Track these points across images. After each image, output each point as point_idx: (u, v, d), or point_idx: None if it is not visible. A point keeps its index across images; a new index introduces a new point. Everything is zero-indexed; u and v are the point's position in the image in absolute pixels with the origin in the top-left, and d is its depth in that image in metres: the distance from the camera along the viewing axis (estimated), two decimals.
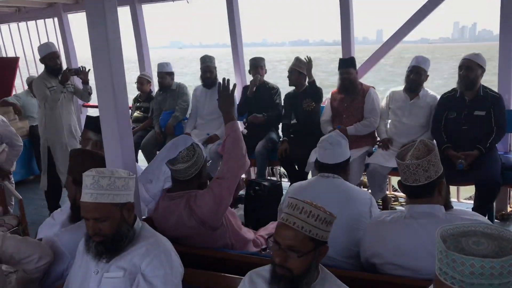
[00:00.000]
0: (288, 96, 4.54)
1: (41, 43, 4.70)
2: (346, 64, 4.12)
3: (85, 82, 4.60)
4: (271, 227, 2.79)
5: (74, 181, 2.17)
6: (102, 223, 1.71)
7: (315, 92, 4.30)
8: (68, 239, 2.04)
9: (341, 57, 4.37)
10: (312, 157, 4.01)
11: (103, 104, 2.06)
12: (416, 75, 3.84)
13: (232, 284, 1.90)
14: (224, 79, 2.52)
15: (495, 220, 3.88)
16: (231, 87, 2.48)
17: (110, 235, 1.72)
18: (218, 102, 2.48)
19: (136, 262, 1.73)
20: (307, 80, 4.28)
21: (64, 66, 4.81)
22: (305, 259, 1.47)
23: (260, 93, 4.63)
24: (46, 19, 6.35)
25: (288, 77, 4.42)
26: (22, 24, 6.65)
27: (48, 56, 4.36)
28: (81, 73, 4.57)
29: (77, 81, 4.80)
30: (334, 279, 1.58)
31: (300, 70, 4.32)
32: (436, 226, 1.35)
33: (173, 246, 1.86)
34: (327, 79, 16.72)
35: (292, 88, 4.51)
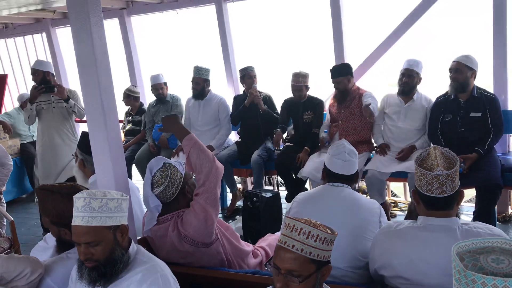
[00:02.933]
0: (287, 102, 4.49)
1: (30, 59, 4.69)
2: (336, 73, 4.06)
3: (64, 99, 4.37)
4: (270, 238, 2.72)
5: (52, 221, 2.04)
6: (94, 247, 1.63)
7: (316, 104, 4.31)
8: (58, 274, 1.92)
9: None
10: (309, 166, 3.95)
11: (92, 122, 1.97)
12: (408, 78, 3.82)
13: None
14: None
15: (497, 223, 3.83)
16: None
17: (103, 260, 1.64)
18: (164, 128, 2.44)
19: None
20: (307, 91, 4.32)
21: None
22: (308, 283, 1.40)
23: (253, 102, 4.56)
24: (34, 35, 6.27)
25: (294, 94, 4.35)
26: (10, 41, 6.56)
27: (31, 72, 4.40)
28: (53, 89, 4.36)
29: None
30: None
31: (302, 85, 4.28)
32: (452, 240, 1.29)
33: (170, 269, 1.77)
34: None
35: (285, 88, 4.47)
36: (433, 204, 1.79)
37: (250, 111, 4.57)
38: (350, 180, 2.35)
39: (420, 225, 1.83)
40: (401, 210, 4.46)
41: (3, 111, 6.26)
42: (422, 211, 1.84)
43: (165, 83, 5.10)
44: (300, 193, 2.50)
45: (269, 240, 2.70)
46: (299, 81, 4.27)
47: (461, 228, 1.78)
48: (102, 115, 1.91)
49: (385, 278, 1.92)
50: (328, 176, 2.37)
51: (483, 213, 3.34)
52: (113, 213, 1.65)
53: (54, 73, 4.58)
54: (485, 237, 1.11)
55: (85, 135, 2.88)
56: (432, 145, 3.75)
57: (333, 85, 4.13)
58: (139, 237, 2.31)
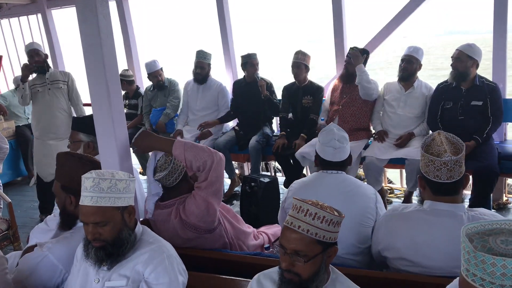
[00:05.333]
0: (287, 88, 4.47)
1: (25, 40, 4.62)
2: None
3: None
4: (276, 228, 2.71)
5: (63, 187, 2.05)
6: (102, 227, 1.63)
7: (316, 90, 4.29)
8: (61, 251, 1.93)
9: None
10: (307, 147, 3.93)
11: (97, 103, 1.96)
12: (407, 63, 3.84)
13: (236, 286, 1.84)
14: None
15: (492, 210, 3.88)
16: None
17: (111, 240, 1.65)
18: (138, 149, 2.22)
19: (139, 269, 1.66)
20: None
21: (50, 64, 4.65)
22: (313, 263, 1.41)
23: (253, 88, 4.54)
24: (30, 16, 6.17)
25: (293, 72, 4.32)
26: (5, 21, 6.45)
27: (28, 55, 4.34)
28: (45, 71, 4.37)
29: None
30: (345, 279, 1.53)
31: (301, 62, 4.26)
32: (458, 226, 1.30)
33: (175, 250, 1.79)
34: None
35: (286, 77, 4.44)
36: (440, 189, 1.80)
37: (252, 97, 4.55)
38: (343, 165, 2.32)
39: (426, 209, 1.85)
40: (397, 197, 4.50)
41: None
42: (429, 196, 1.85)
43: (161, 69, 5.07)
44: (295, 181, 2.48)
45: (275, 230, 2.69)
46: (299, 58, 4.26)
47: (467, 214, 1.79)
48: (107, 95, 1.89)
49: (387, 259, 1.95)
50: (321, 163, 2.35)
51: (479, 200, 3.38)
52: (121, 194, 1.65)
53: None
54: (493, 219, 1.12)
55: (83, 119, 2.87)
56: (430, 131, 3.79)
57: (345, 63, 4.12)
58: (142, 219, 2.31)
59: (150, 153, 2.27)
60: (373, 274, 1.84)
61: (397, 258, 1.89)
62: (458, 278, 1.13)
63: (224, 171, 4.60)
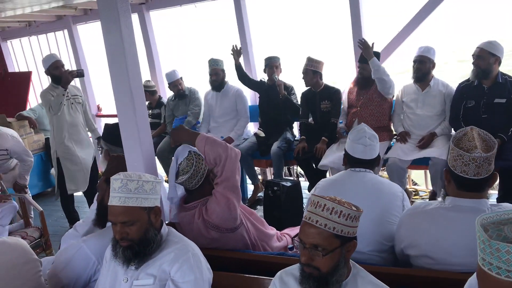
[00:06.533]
0: (304, 95, 4.50)
1: None
2: (365, 59, 4.00)
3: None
4: (298, 230, 2.74)
5: (107, 180, 2.15)
6: (129, 227, 1.70)
7: (333, 93, 4.31)
8: (95, 244, 2.03)
9: None
10: (329, 157, 3.97)
11: (122, 110, 2.04)
12: (420, 64, 3.84)
13: (260, 285, 1.87)
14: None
15: None
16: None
17: (137, 240, 1.71)
18: (173, 141, 2.50)
19: (165, 268, 1.71)
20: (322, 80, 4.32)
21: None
22: (332, 257, 1.44)
23: (273, 91, 4.59)
24: (56, 32, 6.39)
25: (303, 78, 4.37)
26: (33, 38, 6.70)
27: (52, 66, 4.22)
28: (83, 74, 4.42)
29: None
30: (366, 274, 1.54)
31: (314, 69, 4.29)
32: None
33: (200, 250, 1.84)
34: None
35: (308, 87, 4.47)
36: (465, 185, 1.77)
37: (273, 99, 4.61)
38: (371, 164, 2.34)
39: (448, 206, 1.83)
40: (422, 198, 4.45)
41: (28, 107, 6.41)
42: (452, 191, 1.83)
43: (181, 78, 5.16)
44: (323, 179, 2.51)
45: (296, 230, 2.72)
46: (306, 64, 4.30)
47: (491, 209, 1.77)
48: (131, 103, 1.97)
49: (410, 257, 1.94)
50: (350, 161, 2.36)
51: (506, 198, 3.32)
52: (148, 195, 1.71)
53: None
54: (508, 209, 1.13)
55: (108, 126, 2.98)
56: (453, 131, 3.75)
57: (358, 69, 4.14)
58: (167, 222, 2.38)
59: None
60: (396, 271, 1.84)
61: (419, 255, 1.88)
62: None
63: (247, 175, 4.74)
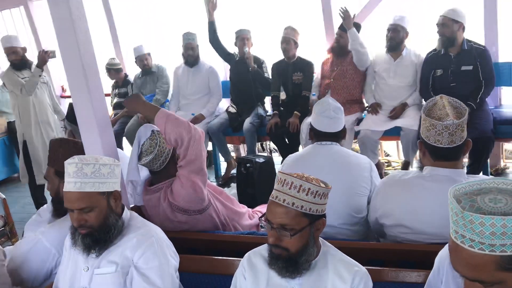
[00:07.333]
0: (277, 66, 4.38)
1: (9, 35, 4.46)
2: (345, 28, 3.92)
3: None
4: None
5: (57, 172, 2.05)
6: (87, 213, 1.60)
7: (306, 65, 4.21)
8: (53, 236, 1.93)
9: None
10: (304, 130, 3.92)
11: (75, 89, 1.90)
12: (394, 33, 3.79)
13: (229, 266, 1.81)
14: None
15: (490, 176, 3.86)
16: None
17: (97, 226, 1.61)
18: (127, 110, 2.32)
19: (127, 254, 1.63)
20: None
21: (33, 57, 4.52)
22: (300, 237, 1.38)
23: (244, 65, 4.46)
24: (12, 9, 6.05)
25: (283, 48, 4.22)
26: None
27: (5, 52, 4.14)
28: (55, 55, 4.14)
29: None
30: (336, 252, 1.50)
31: (294, 39, 4.18)
32: None
33: (165, 233, 1.76)
34: None
35: (280, 58, 4.35)
36: (441, 154, 1.75)
37: (243, 73, 4.47)
38: (337, 137, 2.31)
39: (426, 175, 1.82)
40: (395, 169, 4.48)
41: None
42: (429, 162, 1.81)
43: (148, 54, 5.01)
44: (290, 155, 2.47)
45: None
46: (288, 33, 4.18)
47: (468, 180, 1.76)
48: (84, 79, 1.83)
49: (385, 227, 1.92)
50: (316, 135, 2.33)
51: (476, 167, 3.36)
52: (106, 179, 1.61)
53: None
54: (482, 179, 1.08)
55: (70, 106, 2.83)
56: (424, 101, 3.74)
57: (336, 35, 4.05)
58: (132, 206, 2.28)
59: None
60: (367, 246, 1.82)
61: (395, 225, 1.87)
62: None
63: (219, 153, 4.65)
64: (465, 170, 1.82)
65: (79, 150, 2.02)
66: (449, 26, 3.46)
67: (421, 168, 1.90)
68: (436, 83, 3.61)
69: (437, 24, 3.54)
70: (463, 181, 1.72)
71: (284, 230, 1.37)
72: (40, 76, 4.13)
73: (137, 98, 2.28)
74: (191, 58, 4.65)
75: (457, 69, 3.50)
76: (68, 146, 2.07)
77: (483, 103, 3.50)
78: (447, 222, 1.69)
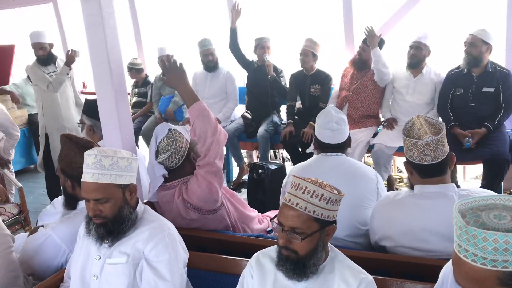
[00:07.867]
0: (295, 77, 4.39)
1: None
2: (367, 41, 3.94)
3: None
4: None
5: (62, 170, 2.09)
6: (103, 204, 1.64)
7: (324, 78, 4.23)
8: (64, 231, 1.97)
9: None
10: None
11: (100, 83, 1.97)
12: (416, 50, 3.78)
13: (237, 266, 1.85)
14: (168, 55, 2.35)
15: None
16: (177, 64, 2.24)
17: (111, 217, 1.66)
18: (166, 80, 2.25)
19: (139, 246, 1.67)
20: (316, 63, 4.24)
21: (59, 53, 4.65)
22: (310, 241, 1.40)
23: (262, 72, 4.50)
24: (41, 5, 6.22)
25: (302, 59, 4.25)
26: (16, 11, 6.51)
27: (33, 47, 4.25)
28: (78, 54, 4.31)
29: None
30: (344, 258, 1.52)
31: (313, 52, 4.21)
32: (449, 206, 1.29)
33: (176, 230, 1.80)
34: None
35: (297, 68, 4.38)
36: (427, 171, 1.81)
37: (261, 80, 4.50)
38: (342, 147, 2.30)
39: (417, 193, 1.85)
40: (407, 186, 4.45)
41: (11, 81, 6.25)
42: (417, 180, 1.86)
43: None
44: (296, 165, 2.46)
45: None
46: (307, 45, 4.20)
47: (458, 193, 1.80)
48: (110, 74, 1.90)
49: (387, 248, 1.93)
50: (320, 146, 2.32)
51: (490, 188, 3.32)
52: (123, 172, 1.66)
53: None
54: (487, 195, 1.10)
55: (89, 101, 2.88)
56: (439, 118, 3.73)
57: (359, 48, 4.06)
58: (145, 201, 2.33)
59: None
60: (373, 256, 1.83)
61: (395, 246, 1.88)
62: None
63: (232, 157, 4.69)
64: (454, 184, 1.84)
65: (80, 150, 1.96)
66: (477, 46, 3.43)
67: (411, 187, 1.94)
68: (454, 102, 3.60)
69: (465, 42, 3.51)
70: (454, 194, 1.78)
71: (295, 233, 1.39)
72: (67, 74, 4.24)
73: (182, 75, 2.23)
74: (211, 63, 4.70)
75: (478, 90, 3.48)
76: (71, 145, 2.05)
77: (501, 125, 3.47)
78: (444, 238, 1.73)
